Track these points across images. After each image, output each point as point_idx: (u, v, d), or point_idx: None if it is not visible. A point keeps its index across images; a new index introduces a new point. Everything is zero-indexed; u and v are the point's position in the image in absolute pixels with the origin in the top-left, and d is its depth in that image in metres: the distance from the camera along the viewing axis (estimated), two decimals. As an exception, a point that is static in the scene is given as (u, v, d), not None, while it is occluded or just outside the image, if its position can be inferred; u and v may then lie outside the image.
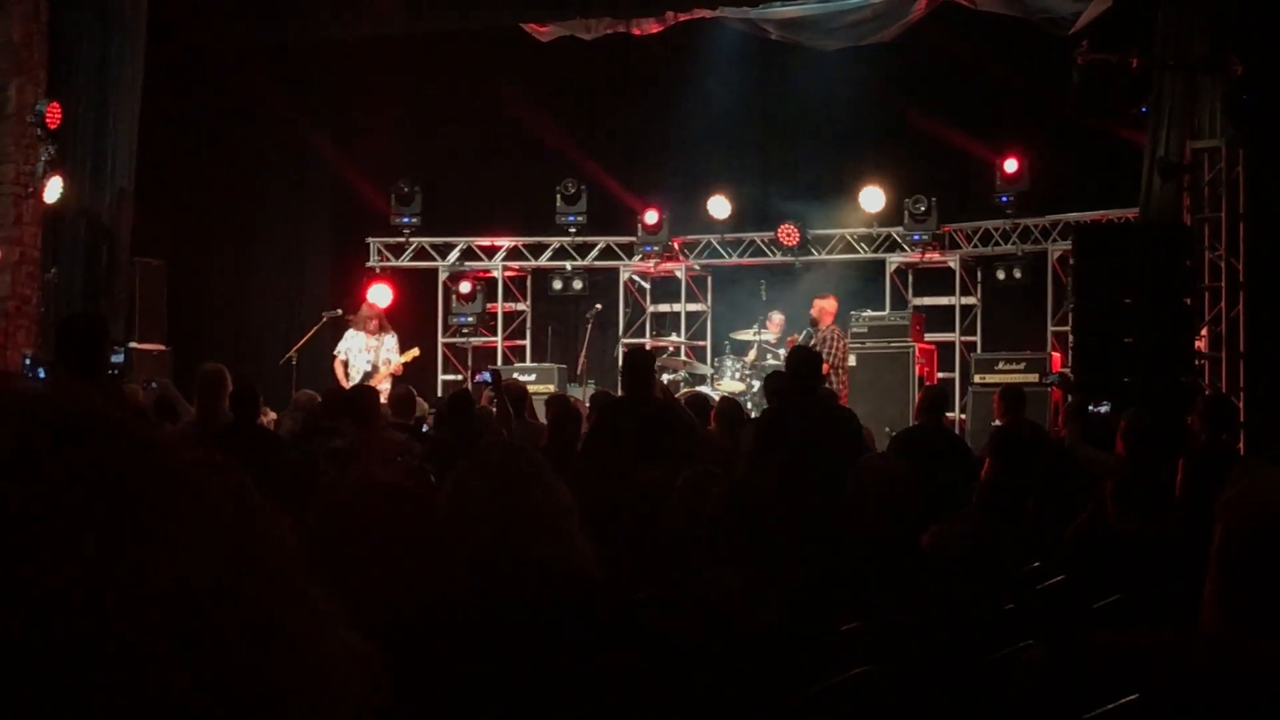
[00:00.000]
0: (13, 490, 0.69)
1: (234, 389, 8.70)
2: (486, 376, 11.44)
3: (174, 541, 0.71)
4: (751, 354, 15.46)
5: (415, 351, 14.62)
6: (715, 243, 17.59)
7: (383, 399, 12.77)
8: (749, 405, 13.78)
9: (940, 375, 15.88)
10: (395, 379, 13.93)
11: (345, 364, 14.28)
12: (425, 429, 10.60)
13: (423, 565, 2.35)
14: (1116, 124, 13.28)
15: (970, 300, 16.63)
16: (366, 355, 14.26)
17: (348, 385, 13.07)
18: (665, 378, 14.91)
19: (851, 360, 15.23)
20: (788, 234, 16.79)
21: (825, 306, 15.25)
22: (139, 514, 0.71)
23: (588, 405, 11.16)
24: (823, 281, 16.60)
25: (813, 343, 14.62)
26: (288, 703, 0.72)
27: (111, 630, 0.67)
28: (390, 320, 15.05)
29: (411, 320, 17.15)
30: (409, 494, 2.38)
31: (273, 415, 11.17)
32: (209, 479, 0.75)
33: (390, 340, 14.39)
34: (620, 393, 9.28)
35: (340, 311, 15.25)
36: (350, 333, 14.47)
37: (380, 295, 16.88)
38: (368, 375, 13.92)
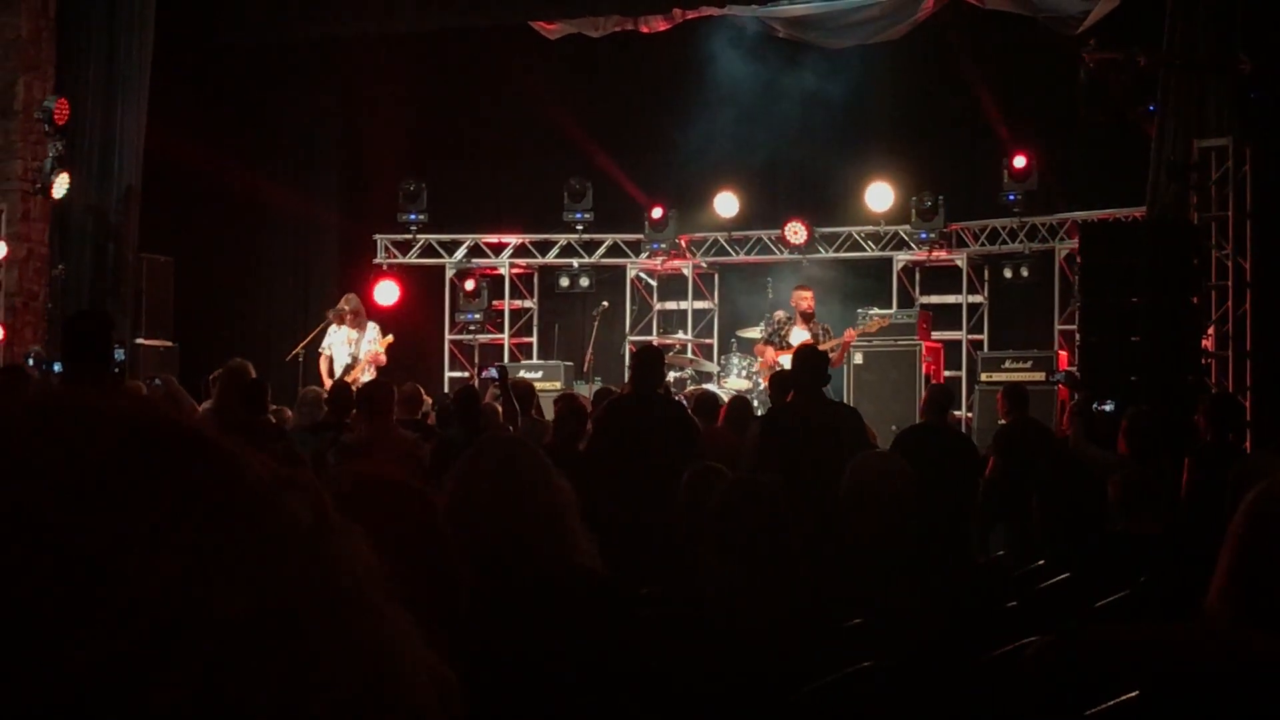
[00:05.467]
0: (98, 507, 0.70)
1: (241, 383, 8.74)
2: (494, 373, 11.46)
3: (256, 560, 0.71)
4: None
5: (389, 338, 14.47)
6: (722, 240, 17.59)
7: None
8: (754, 403, 13.78)
9: (947, 374, 15.87)
10: (380, 369, 13.87)
11: (331, 360, 14.22)
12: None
13: (424, 560, 2.35)
14: (1124, 122, 13.26)
15: (977, 299, 16.62)
16: (347, 348, 14.20)
17: (329, 381, 13.06)
18: (672, 375, 14.90)
19: (858, 358, 15.23)
20: (795, 232, 16.79)
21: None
22: (222, 532, 0.71)
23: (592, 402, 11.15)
24: (829, 279, 16.61)
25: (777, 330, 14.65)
26: None
27: (193, 649, 0.68)
28: (396, 317, 15.03)
29: (418, 317, 17.17)
30: (411, 488, 2.39)
31: (289, 413, 11.20)
32: (289, 497, 0.76)
33: (371, 332, 14.28)
34: (629, 388, 9.28)
35: (333, 314, 15.25)
36: (332, 328, 14.41)
37: (387, 293, 16.89)
38: (348, 368, 13.88)
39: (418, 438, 8.98)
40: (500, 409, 10.46)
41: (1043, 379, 14.17)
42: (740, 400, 10.99)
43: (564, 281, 17.96)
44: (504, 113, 17.49)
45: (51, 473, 0.70)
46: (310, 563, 0.73)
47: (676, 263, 17.70)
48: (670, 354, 15.95)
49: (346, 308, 14.38)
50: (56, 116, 14.55)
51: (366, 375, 13.62)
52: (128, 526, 0.69)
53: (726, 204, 17.18)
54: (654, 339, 17.06)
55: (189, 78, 15.97)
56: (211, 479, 0.73)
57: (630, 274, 17.85)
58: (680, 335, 17.41)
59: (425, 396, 11.18)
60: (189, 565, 0.69)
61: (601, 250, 17.95)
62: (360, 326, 14.28)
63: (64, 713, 0.65)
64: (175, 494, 0.71)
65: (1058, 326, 15.67)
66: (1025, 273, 16.02)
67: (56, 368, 11.74)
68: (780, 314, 15.20)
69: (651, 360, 8.77)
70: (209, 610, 0.68)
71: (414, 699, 0.74)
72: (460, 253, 18.05)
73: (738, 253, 17.60)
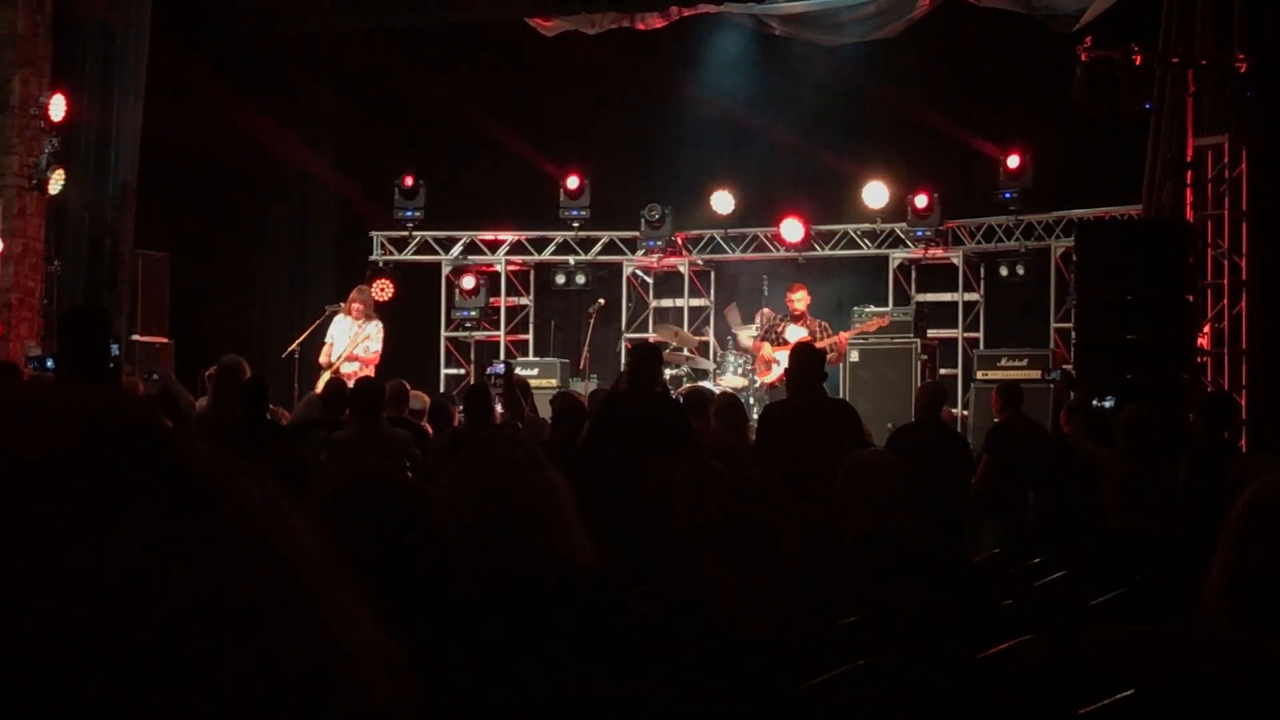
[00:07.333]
0: (47, 496, 0.70)
1: (241, 382, 8.71)
2: (500, 369, 11.44)
3: (208, 547, 0.72)
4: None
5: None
6: (718, 238, 17.59)
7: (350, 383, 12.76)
8: (750, 401, 13.78)
9: (943, 371, 15.88)
10: (367, 365, 13.87)
11: (331, 349, 14.20)
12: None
13: (416, 553, 2.35)
14: (1120, 120, 13.26)
15: (973, 296, 16.62)
16: (345, 339, 14.18)
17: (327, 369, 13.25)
18: (668, 373, 14.87)
19: (854, 356, 15.23)
20: (791, 229, 16.79)
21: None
22: (173, 519, 0.72)
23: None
24: (826, 277, 16.61)
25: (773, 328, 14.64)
26: (322, 698, 0.73)
27: (147, 634, 0.68)
28: (392, 314, 14.99)
29: (414, 314, 17.16)
30: (403, 483, 2.39)
31: (284, 413, 11.18)
32: (240, 484, 0.76)
33: (372, 328, 14.22)
34: (625, 385, 9.26)
35: (343, 306, 15.25)
36: (338, 317, 14.42)
37: (382, 290, 16.87)
38: (339, 358, 13.89)
39: (409, 437, 8.95)
40: (500, 405, 10.42)
41: (1039, 377, 14.18)
42: (729, 398, 10.94)
43: (560, 279, 17.96)
44: (500, 110, 17.47)
45: (3, 465, 0.71)
46: (261, 548, 0.75)
47: (672, 260, 17.69)
48: (666, 351, 15.94)
49: (355, 299, 14.38)
50: (52, 113, 14.55)
51: (353, 368, 13.60)
52: (81, 516, 0.70)
53: (723, 201, 17.17)
54: (650, 336, 17.06)
55: (185, 74, 15.94)
56: (164, 469, 0.74)
57: (626, 271, 17.85)
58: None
59: (414, 392, 11.07)
60: (142, 553, 0.70)
61: (598, 248, 17.94)
62: (366, 319, 14.24)
63: (21, 696, 0.66)
64: (128, 484, 0.72)
65: (1054, 324, 15.67)
66: (1021, 271, 16.03)
67: (50, 364, 11.74)
68: (767, 312, 15.18)
69: (648, 357, 8.77)
70: (162, 596, 0.70)
71: (363, 678, 0.76)
72: (456, 250, 18.04)
73: (734, 250, 17.60)
